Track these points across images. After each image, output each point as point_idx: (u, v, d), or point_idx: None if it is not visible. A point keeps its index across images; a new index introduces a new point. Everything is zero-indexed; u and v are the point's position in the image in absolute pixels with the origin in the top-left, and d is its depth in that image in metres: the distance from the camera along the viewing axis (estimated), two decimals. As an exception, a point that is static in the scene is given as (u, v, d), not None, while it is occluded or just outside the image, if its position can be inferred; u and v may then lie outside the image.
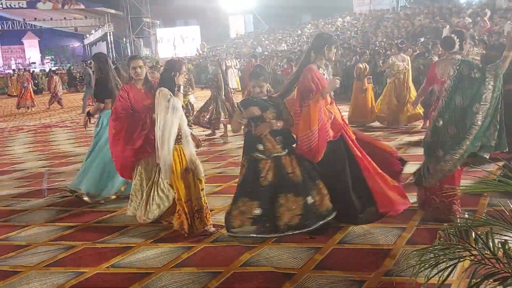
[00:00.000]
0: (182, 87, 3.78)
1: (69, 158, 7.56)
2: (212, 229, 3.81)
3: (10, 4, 32.94)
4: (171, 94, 3.63)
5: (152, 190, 3.89)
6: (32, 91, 16.46)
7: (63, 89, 19.11)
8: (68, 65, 33.51)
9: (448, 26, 12.68)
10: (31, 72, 25.28)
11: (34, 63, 35.86)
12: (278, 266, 3.16)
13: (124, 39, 35.36)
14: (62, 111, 15.66)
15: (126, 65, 4.52)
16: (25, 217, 4.66)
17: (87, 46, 43.76)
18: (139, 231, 4.00)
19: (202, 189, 3.78)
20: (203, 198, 3.76)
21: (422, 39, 12.53)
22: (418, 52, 10.32)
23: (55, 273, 3.33)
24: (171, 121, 3.56)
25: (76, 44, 44.33)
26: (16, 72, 25.71)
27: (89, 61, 16.94)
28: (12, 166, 7.23)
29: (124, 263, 3.41)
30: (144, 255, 3.52)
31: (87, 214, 4.59)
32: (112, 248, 3.71)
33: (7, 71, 31.86)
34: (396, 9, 22.23)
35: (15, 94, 20.27)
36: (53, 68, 28.76)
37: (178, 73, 3.74)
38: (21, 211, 4.86)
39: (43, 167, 7.01)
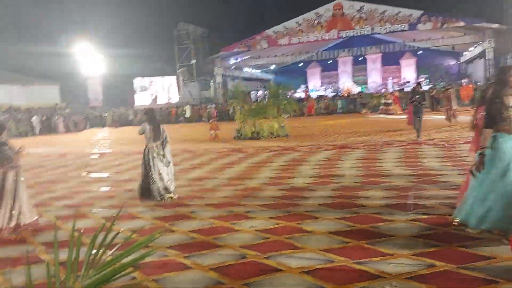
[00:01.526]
0: None
1: (435, 177, 7.58)
2: None
3: (393, 28, 36.16)
4: None
5: None
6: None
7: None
8: (442, 83, 33.84)
9: None
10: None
11: (408, 82, 37.89)
12: None
13: (507, 55, 32.57)
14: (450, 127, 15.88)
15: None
16: (389, 227, 4.96)
17: (463, 64, 42.86)
18: None
19: None
20: None
21: None
22: None
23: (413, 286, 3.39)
24: None
25: (451, 62, 44.12)
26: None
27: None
28: (381, 178, 7.83)
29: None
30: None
31: (452, 236, 4.47)
32: (476, 277, 3.46)
33: (382, 90, 35.16)
34: None
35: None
36: (426, 87, 29.69)
37: None
38: (386, 220, 5.20)
39: (410, 182, 7.29)
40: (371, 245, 4.42)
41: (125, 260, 1.56)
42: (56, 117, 33.74)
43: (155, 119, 7.42)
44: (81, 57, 39.54)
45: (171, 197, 7.04)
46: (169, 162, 7.21)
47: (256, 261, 4.18)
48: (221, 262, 4.19)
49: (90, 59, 39.70)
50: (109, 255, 1.59)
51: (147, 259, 4.13)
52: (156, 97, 42.66)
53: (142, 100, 42.20)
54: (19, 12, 40.99)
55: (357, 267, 3.90)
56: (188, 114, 35.25)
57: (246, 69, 44.97)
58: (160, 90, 43.25)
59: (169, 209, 6.53)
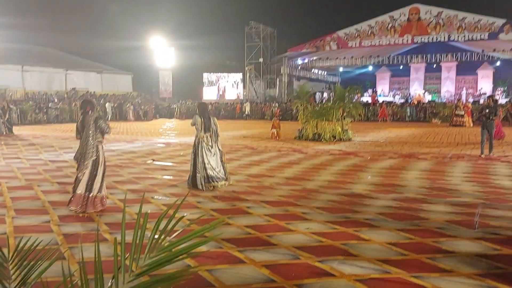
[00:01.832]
0: None
1: (505, 195, 7.13)
2: None
3: (472, 36, 34.33)
4: None
5: None
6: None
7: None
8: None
9: None
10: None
11: (485, 93, 35.89)
12: None
13: None
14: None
15: None
16: (451, 243, 4.73)
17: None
18: None
19: None
20: None
21: None
22: None
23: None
24: None
25: (533, 75, 41.19)
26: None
27: None
28: (447, 192, 7.48)
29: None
30: None
31: (518, 260, 4.19)
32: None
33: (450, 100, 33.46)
34: None
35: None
36: (503, 100, 27.85)
37: None
38: (449, 236, 4.97)
39: (478, 199, 6.91)
40: (431, 260, 4.24)
41: (180, 247, 1.61)
42: (127, 105, 35.36)
43: (206, 111, 7.79)
44: (154, 49, 41.09)
45: (218, 185, 7.50)
46: (218, 151, 7.61)
47: (309, 263, 4.15)
48: (274, 260, 4.21)
49: (162, 51, 41.17)
50: (167, 241, 1.65)
51: (202, 249, 4.23)
52: (223, 93, 43.52)
53: (209, 94, 43.23)
54: (100, 7, 43.40)
55: (415, 281, 3.76)
56: (247, 111, 35.67)
57: (313, 70, 44.64)
58: (227, 86, 44.05)
59: (227, 202, 6.65)
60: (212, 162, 7.46)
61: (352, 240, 4.85)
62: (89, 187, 5.96)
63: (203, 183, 7.37)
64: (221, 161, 7.66)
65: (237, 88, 43.72)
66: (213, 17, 44.19)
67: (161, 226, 1.66)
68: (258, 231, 5.15)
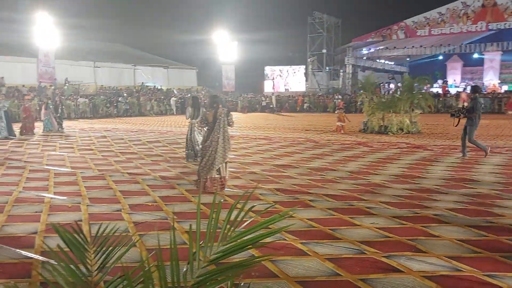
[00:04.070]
0: None
1: None
2: None
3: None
4: None
5: None
6: None
7: None
8: None
9: None
10: None
11: None
12: None
13: None
14: None
15: None
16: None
17: None
18: None
19: None
20: None
21: None
22: None
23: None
24: None
25: None
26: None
27: None
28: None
29: None
30: None
31: None
32: None
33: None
34: None
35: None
36: None
37: None
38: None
39: None
40: (506, 258, 3.99)
41: (249, 237, 1.64)
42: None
43: (198, 103, 10.20)
44: (217, 44, 41.76)
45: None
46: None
47: (374, 258, 4.05)
48: (338, 254, 4.15)
49: (225, 46, 41.75)
50: (235, 232, 1.70)
51: (266, 240, 4.26)
52: (285, 85, 43.47)
53: (270, 87, 43.36)
54: (165, 3, 44.74)
55: (489, 280, 3.55)
56: (306, 104, 35.36)
57: (379, 60, 43.31)
58: (289, 78, 43.92)
59: (290, 195, 6.64)
60: (199, 140, 9.33)
61: (420, 236, 4.67)
62: (222, 169, 6.80)
63: (192, 156, 9.79)
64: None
65: (297, 80, 43.46)
66: (275, 9, 44.14)
67: (225, 217, 1.69)
68: (321, 224, 5.10)
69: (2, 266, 3.88)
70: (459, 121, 10.47)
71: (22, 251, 4.21)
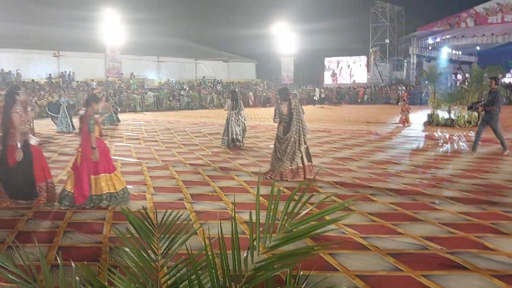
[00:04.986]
0: None
1: None
2: None
3: None
4: None
5: None
6: None
7: None
8: None
9: None
10: None
11: None
12: None
13: None
14: None
15: None
16: None
17: None
18: None
19: None
20: None
21: None
22: None
23: None
24: None
25: None
26: None
27: None
28: None
29: None
30: None
31: None
32: None
33: None
34: None
35: None
36: None
37: None
38: None
39: None
40: None
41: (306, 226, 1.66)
42: (249, 93, 36.55)
43: (236, 96, 11.39)
44: (276, 36, 41.68)
45: (238, 144, 10.92)
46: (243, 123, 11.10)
47: (438, 255, 3.91)
48: (400, 249, 4.04)
49: (284, 38, 41.57)
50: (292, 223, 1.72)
51: (326, 234, 4.23)
52: (346, 77, 42.67)
53: (330, 78, 42.74)
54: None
55: None
56: (367, 96, 34.49)
57: (445, 50, 41.31)
58: (350, 69, 43.04)
59: (349, 188, 6.54)
60: (237, 129, 10.89)
61: (488, 233, 4.45)
62: (306, 158, 7.07)
63: (228, 143, 10.87)
64: (243, 129, 11.12)
65: (359, 72, 42.50)
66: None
67: (282, 208, 1.72)
68: (383, 218, 4.99)
69: (75, 249, 4.15)
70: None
71: (92, 236, 4.48)
